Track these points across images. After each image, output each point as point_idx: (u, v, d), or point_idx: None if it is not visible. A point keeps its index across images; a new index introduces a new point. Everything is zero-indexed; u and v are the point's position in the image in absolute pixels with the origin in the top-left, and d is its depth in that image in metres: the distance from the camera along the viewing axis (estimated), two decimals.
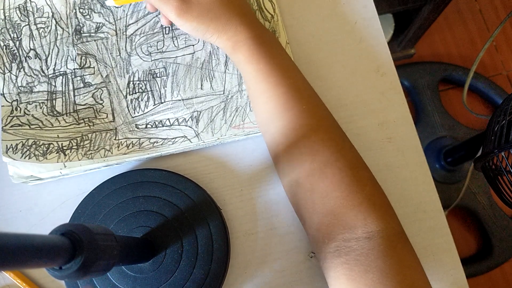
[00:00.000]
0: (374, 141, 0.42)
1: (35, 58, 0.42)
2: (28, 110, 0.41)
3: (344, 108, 0.43)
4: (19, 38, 0.43)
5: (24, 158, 0.39)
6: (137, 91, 0.42)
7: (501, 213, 1.12)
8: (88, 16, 0.43)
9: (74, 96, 0.41)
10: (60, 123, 0.40)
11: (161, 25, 0.43)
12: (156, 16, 0.43)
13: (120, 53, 0.42)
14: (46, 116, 0.41)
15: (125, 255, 0.31)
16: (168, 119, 0.41)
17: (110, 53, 0.42)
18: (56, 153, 0.39)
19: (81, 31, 0.43)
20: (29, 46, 0.43)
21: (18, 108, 0.41)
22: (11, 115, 0.41)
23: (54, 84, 0.42)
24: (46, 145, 0.40)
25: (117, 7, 0.43)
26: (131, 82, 0.42)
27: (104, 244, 0.25)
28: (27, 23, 0.43)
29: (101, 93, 0.41)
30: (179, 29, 0.43)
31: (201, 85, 0.42)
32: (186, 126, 0.41)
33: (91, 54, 0.42)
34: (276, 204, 0.41)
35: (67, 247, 0.23)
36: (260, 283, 0.39)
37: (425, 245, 0.40)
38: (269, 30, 0.41)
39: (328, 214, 0.33)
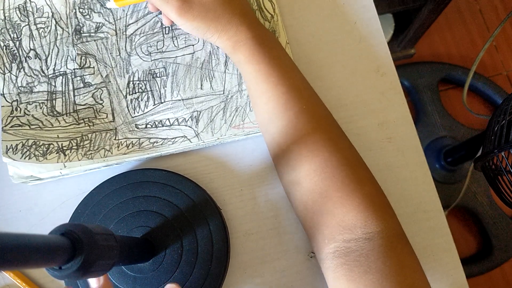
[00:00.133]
0: (374, 141, 0.42)
1: (35, 58, 0.42)
2: (28, 110, 0.41)
3: (344, 108, 0.43)
4: (19, 38, 0.43)
5: (24, 158, 0.39)
6: (137, 91, 0.42)
7: (501, 213, 1.12)
8: (88, 16, 0.43)
9: (74, 96, 0.41)
10: (60, 123, 0.40)
11: (161, 25, 0.43)
12: (156, 16, 0.43)
13: (120, 53, 0.42)
14: (46, 116, 0.41)
15: (125, 255, 0.31)
16: (168, 119, 0.41)
17: (110, 53, 0.42)
18: (56, 153, 0.39)
19: (81, 31, 0.43)
20: (29, 46, 0.43)
21: (18, 108, 0.41)
22: (11, 115, 0.41)
23: (54, 84, 0.42)
24: (46, 145, 0.40)
25: (118, 7, 0.43)
26: (131, 82, 0.42)
27: (104, 244, 0.25)
28: (27, 23, 0.43)
29: (101, 93, 0.41)
30: (179, 29, 0.43)
31: (201, 85, 0.42)
32: (186, 126, 0.41)
33: (91, 54, 0.42)
34: (276, 204, 0.41)
35: (67, 247, 0.23)
36: (260, 283, 0.39)
37: (425, 245, 0.40)
38: (269, 31, 0.41)
39: (328, 214, 0.33)
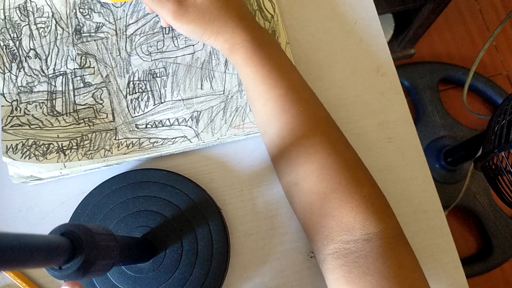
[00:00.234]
0: (374, 141, 0.42)
1: (35, 58, 0.42)
2: (28, 110, 0.41)
3: (344, 108, 0.43)
4: (19, 38, 0.43)
5: (24, 158, 0.39)
6: (137, 91, 0.42)
7: (501, 213, 1.12)
8: (88, 16, 0.43)
9: (74, 96, 0.41)
10: (60, 123, 0.40)
11: (161, 25, 0.43)
12: (156, 16, 0.43)
13: (120, 53, 0.42)
14: (46, 116, 0.41)
15: (125, 255, 0.31)
16: (168, 119, 0.41)
17: (110, 53, 0.42)
18: (56, 153, 0.39)
19: (81, 31, 0.43)
20: (29, 46, 0.43)
21: (18, 108, 0.41)
22: (11, 115, 0.41)
23: (54, 84, 0.42)
24: (46, 145, 0.40)
25: (116, 6, 0.43)
26: (131, 82, 0.42)
27: (104, 244, 0.25)
28: (27, 23, 0.43)
29: (101, 93, 0.41)
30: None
31: (201, 85, 0.42)
32: (186, 126, 0.41)
33: (91, 54, 0.42)
34: (276, 204, 0.41)
35: (67, 247, 0.23)
36: (260, 283, 0.39)
37: (425, 245, 0.40)
38: (267, 32, 0.41)
39: (327, 216, 0.33)
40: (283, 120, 0.36)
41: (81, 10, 0.43)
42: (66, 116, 0.41)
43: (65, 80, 0.42)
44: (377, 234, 0.32)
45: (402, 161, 0.42)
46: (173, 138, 0.40)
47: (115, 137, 0.40)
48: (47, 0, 0.44)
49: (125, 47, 0.43)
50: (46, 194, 0.41)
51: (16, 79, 0.42)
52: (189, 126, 0.41)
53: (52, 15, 0.43)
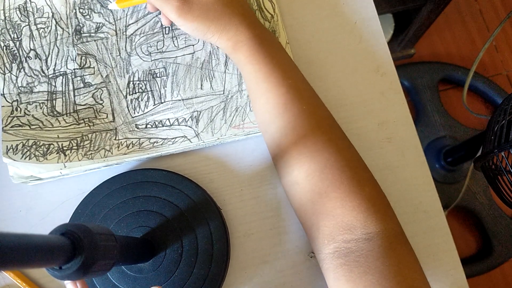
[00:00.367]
0: (374, 141, 0.42)
1: (35, 59, 0.42)
2: (28, 111, 0.41)
3: (344, 108, 0.43)
4: (19, 39, 0.43)
5: (25, 158, 0.39)
6: (137, 91, 0.42)
7: (501, 213, 1.12)
8: (88, 16, 0.43)
9: (74, 96, 0.41)
10: (60, 123, 0.40)
11: (161, 25, 0.43)
12: (156, 16, 0.43)
13: (120, 53, 0.42)
14: (46, 116, 0.41)
15: (125, 255, 0.31)
16: (168, 119, 0.41)
17: (110, 53, 0.42)
18: (56, 153, 0.39)
19: (81, 31, 0.43)
20: (29, 47, 0.43)
21: (19, 109, 0.41)
22: (11, 115, 0.41)
23: (54, 84, 0.42)
24: (46, 146, 0.40)
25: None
26: (131, 82, 0.42)
27: (104, 244, 0.25)
28: (27, 24, 0.43)
29: (101, 93, 0.41)
30: (179, 29, 0.43)
31: (201, 85, 0.42)
32: (186, 126, 0.41)
33: (91, 54, 0.42)
34: (276, 204, 0.41)
35: (67, 247, 0.23)
36: (260, 283, 0.39)
37: (425, 245, 0.40)
38: (269, 31, 0.41)
39: (328, 215, 0.33)
40: (285, 119, 0.36)
41: (81, 10, 0.43)
42: (66, 116, 0.41)
43: (65, 80, 0.42)
44: (377, 234, 0.32)
45: (402, 161, 0.42)
46: (173, 138, 0.40)
47: (115, 137, 0.40)
48: (47, 1, 0.44)
49: (125, 47, 0.43)
50: (46, 194, 0.41)
51: (17, 80, 0.42)
52: (189, 126, 0.41)
53: (52, 16, 0.43)
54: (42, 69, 0.42)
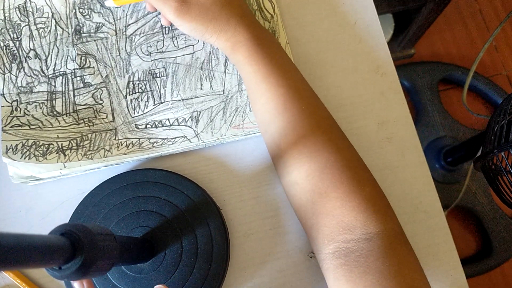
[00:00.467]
0: (374, 141, 0.42)
1: (35, 58, 0.42)
2: (28, 111, 0.41)
3: (344, 108, 0.43)
4: (19, 38, 0.43)
5: (24, 158, 0.39)
6: (137, 91, 0.42)
7: (501, 213, 1.12)
8: (88, 16, 0.43)
9: (74, 96, 0.41)
10: (60, 123, 0.40)
11: (161, 25, 0.43)
12: (156, 16, 0.43)
13: (120, 53, 0.42)
14: (46, 116, 0.41)
15: (125, 255, 0.31)
16: (168, 119, 0.41)
17: (110, 53, 0.42)
18: (56, 153, 0.39)
19: (81, 31, 0.43)
20: (29, 46, 0.43)
21: (18, 109, 0.41)
22: (11, 115, 0.41)
23: (54, 84, 0.42)
24: (46, 146, 0.40)
25: (117, 7, 0.43)
26: (131, 82, 0.42)
27: (104, 244, 0.25)
28: (27, 23, 0.43)
29: (101, 93, 0.41)
30: (179, 29, 0.43)
31: (201, 85, 0.42)
32: (186, 126, 0.41)
33: (91, 54, 0.42)
34: (276, 204, 0.41)
35: (67, 247, 0.23)
36: (260, 283, 0.39)
37: (425, 245, 0.40)
38: (268, 31, 0.41)
39: (328, 215, 0.33)
40: (285, 119, 0.36)
41: (81, 10, 0.43)
42: (66, 116, 0.41)
43: (65, 80, 0.42)
44: (378, 234, 0.32)
45: (402, 161, 0.42)
46: (173, 138, 0.40)
47: (115, 137, 0.40)
48: (47, 0, 0.44)
49: (125, 47, 0.43)
50: (46, 194, 0.41)
51: (16, 80, 0.42)
52: (189, 126, 0.41)
53: (52, 15, 0.43)
54: (42, 69, 0.42)
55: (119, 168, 0.41)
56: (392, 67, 0.44)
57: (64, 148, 0.40)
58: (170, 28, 0.43)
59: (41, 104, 0.41)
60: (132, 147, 0.40)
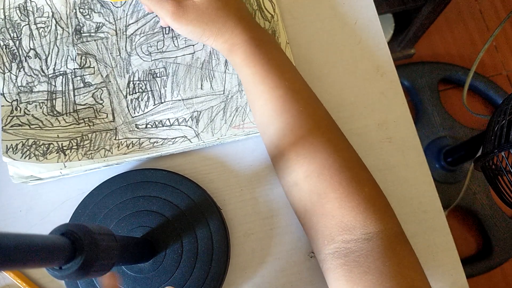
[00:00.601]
0: (374, 141, 0.42)
1: (35, 58, 0.42)
2: (28, 110, 0.41)
3: (344, 108, 0.43)
4: (19, 38, 0.43)
5: (24, 158, 0.39)
6: (137, 91, 0.42)
7: (501, 213, 1.12)
8: (88, 16, 0.43)
9: (74, 96, 0.41)
10: (60, 123, 0.40)
11: (161, 25, 0.43)
12: (156, 16, 0.43)
13: (120, 53, 0.42)
14: (46, 116, 0.41)
15: (125, 255, 0.31)
16: (168, 119, 0.41)
17: (110, 53, 0.42)
18: (56, 153, 0.39)
19: (81, 31, 0.43)
20: (29, 46, 0.43)
21: (18, 108, 0.41)
22: (11, 115, 0.41)
23: (54, 84, 0.42)
24: (46, 145, 0.40)
25: (116, 6, 0.43)
26: (131, 82, 0.42)
27: (104, 244, 0.25)
28: (27, 23, 0.43)
29: (101, 93, 0.41)
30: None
31: (201, 85, 0.42)
32: (186, 126, 0.41)
33: (91, 54, 0.42)
34: (276, 204, 0.41)
35: (67, 247, 0.23)
36: (260, 283, 0.39)
37: (425, 245, 0.40)
38: (267, 32, 0.41)
39: (327, 216, 0.33)
40: (283, 120, 0.36)
41: (81, 10, 0.43)
42: (66, 116, 0.41)
43: (65, 80, 0.42)
44: (377, 234, 0.32)
45: (402, 161, 0.42)
46: (173, 138, 0.40)
47: (115, 137, 0.40)
48: (47, 0, 0.44)
49: (125, 47, 0.43)
50: (46, 194, 0.41)
51: (16, 79, 0.42)
52: (189, 126, 0.41)
53: (52, 15, 0.43)
54: (42, 69, 0.42)
55: (119, 168, 0.41)
56: (392, 67, 0.44)
57: (64, 148, 0.40)
58: (170, 28, 0.43)
59: (41, 104, 0.41)
60: (133, 147, 0.40)
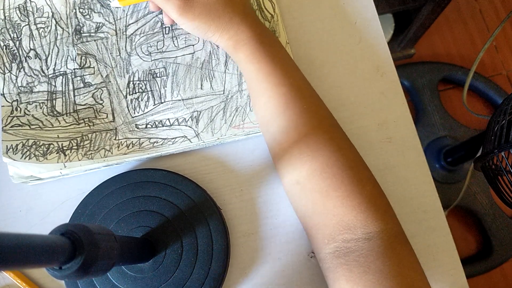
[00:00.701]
0: (374, 141, 0.42)
1: (35, 58, 0.42)
2: (28, 110, 0.41)
3: (344, 108, 0.43)
4: (19, 38, 0.43)
5: (24, 158, 0.39)
6: (137, 91, 0.42)
7: (501, 213, 1.12)
8: (88, 16, 0.43)
9: (74, 96, 0.41)
10: (60, 123, 0.40)
11: (161, 25, 0.43)
12: (156, 16, 0.43)
13: (120, 53, 0.42)
14: (46, 116, 0.41)
15: (125, 255, 0.31)
16: (168, 119, 0.41)
17: (110, 53, 0.42)
18: (56, 153, 0.39)
19: (81, 31, 0.43)
20: (29, 46, 0.43)
21: (18, 108, 0.41)
22: (11, 115, 0.41)
23: (54, 84, 0.42)
24: (46, 145, 0.40)
25: (118, 7, 0.43)
26: (131, 82, 0.42)
27: (104, 244, 0.25)
28: (27, 23, 0.43)
29: (101, 93, 0.41)
30: (179, 29, 0.43)
31: (201, 85, 0.42)
32: (186, 126, 0.41)
33: (91, 54, 0.42)
34: (276, 204, 0.41)
35: (67, 247, 0.23)
36: (260, 283, 0.39)
37: (425, 245, 0.40)
38: (269, 30, 0.41)
39: (328, 215, 0.33)
40: (286, 118, 0.36)
41: (81, 10, 0.43)
42: (66, 116, 0.41)
43: (65, 80, 0.42)
44: (378, 233, 0.32)
45: (402, 161, 0.42)
46: (173, 138, 0.40)
47: (115, 137, 0.40)
48: (47, 0, 0.44)
49: (125, 47, 0.43)
50: (46, 194, 0.41)
51: (16, 79, 0.42)
52: (189, 126, 0.41)
53: (52, 15, 0.43)
54: (42, 69, 0.42)
55: (119, 168, 0.41)
56: (392, 67, 0.44)
57: (65, 148, 0.40)
58: (170, 28, 0.43)
59: (41, 104, 0.41)
60: (133, 147, 0.40)
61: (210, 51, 0.43)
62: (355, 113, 0.43)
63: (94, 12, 0.43)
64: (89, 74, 0.42)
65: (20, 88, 0.41)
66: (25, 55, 0.42)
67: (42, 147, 0.40)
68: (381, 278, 0.30)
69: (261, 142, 0.42)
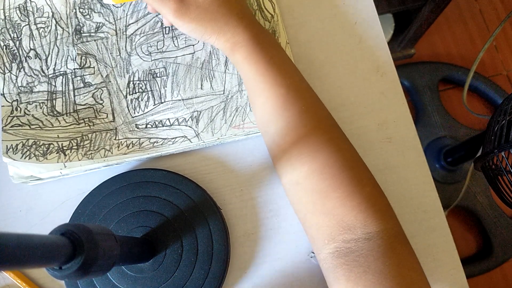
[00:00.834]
0: (374, 141, 0.42)
1: (35, 58, 0.42)
2: (28, 110, 0.41)
3: (344, 108, 0.43)
4: (19, 38, 0.43)
5: (24, 158, 0.39)
6: (137, 91, 0.42)
7: (501, 213, 1.12)
8: (88, 16, 0.43)
9: (74, 96, 0.41)
10: (60, 123, 0.40)
11: (161, 25, 0.43)
12: (156, 16, 0.43)
13: (120, 53, 0.42)
14: (46, 116, 0.41)
15: (125, 255, 0.31)
16: (168, 119, 0.41)
17: (110, 53, 0.42)
18: (56, 153, 0.39)
19: (81, 31, 0.43)
20: (29, 46, 0.43)
21: (18, 108, 0.41)
22: (11, 115, 0.41)
23: (54, 84, 0.42)
24: (46, 145, 0.40)
25: (116, 6, 0.43)
26: (131, 82, 0.42)
27: (104, 244, 0.25)
28: (27, 23, 0.43)
29: (101, 93, 0.41)
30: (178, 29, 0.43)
31: (201, 85, 0.42)
32: (186, 126, 0.41)
33: (91, 54, 0.42)
34: (276, 204, 0.41)
35: (67, 247, 0.23)
36: (260, 283, 0.39)
37: (425, 245, 0.40)
38: (268, 31, 0.41)
39: (328, 215, 0.33)
40: (285, 119, 0.36)
41: (81, 10, 0.43)
42: (66, 116, 0.41)
43: (65, 80, 0.42)
44: (377, 233, 0.32)
45: (402, 161, 0.42)
46: (173, 138, 0.40)
47: (115, 137, 0.40)
48: (47, 0, 0.44)
49: (125, 47, 0.43)
50: (46, 194, 0.41)
51: (16, 79, 0.42)
52: (189, 126, 0.41)
53: (52, 15, 0.43)
54: (42, 69, 0.42)
55: (119, 168, 0.41)
56: (392, 67, 0.44)
57: (65, 148, 0.40)
58: (170, 28, 0.43)
59: (41, 104, 0.41)
60: (133, 147, 0.40)
61: (210, 51, 0.43)
62: (355, 113, 0.43)
63: (94, 12, 0.43)
64: (89, 74, 0.42)
65: (20, 88, 0.41)
66: (25, 55, 0.42)
67: (42, 147, 0.40)
68: (381, 278, 0.30)
69: (261, 142, 0.42)
